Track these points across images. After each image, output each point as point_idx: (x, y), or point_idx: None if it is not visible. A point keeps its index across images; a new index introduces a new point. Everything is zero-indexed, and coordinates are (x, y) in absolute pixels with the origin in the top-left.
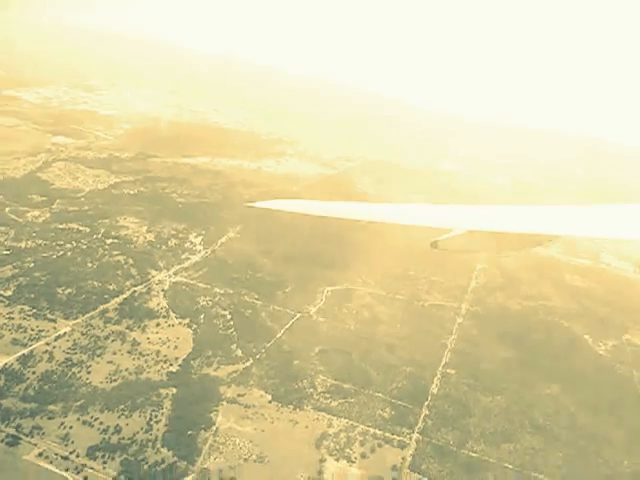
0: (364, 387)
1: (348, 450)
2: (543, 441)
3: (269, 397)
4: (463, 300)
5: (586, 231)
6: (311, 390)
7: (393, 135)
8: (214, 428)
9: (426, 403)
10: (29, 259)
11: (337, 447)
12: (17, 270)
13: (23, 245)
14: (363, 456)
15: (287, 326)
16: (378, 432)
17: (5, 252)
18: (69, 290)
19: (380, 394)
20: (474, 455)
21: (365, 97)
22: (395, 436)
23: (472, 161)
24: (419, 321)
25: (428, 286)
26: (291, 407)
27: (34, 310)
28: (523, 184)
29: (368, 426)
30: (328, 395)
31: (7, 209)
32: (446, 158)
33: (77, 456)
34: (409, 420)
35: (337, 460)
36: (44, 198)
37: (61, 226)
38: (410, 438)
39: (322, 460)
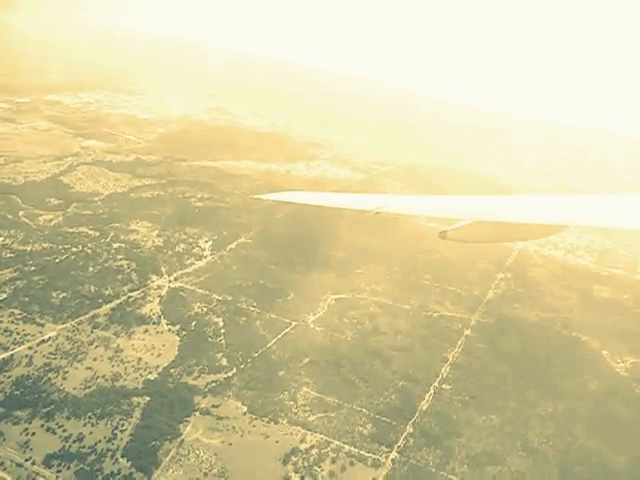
0: (348, 401)
1: (316, 468)
2: (532, 465)
3: (245, 409)
4: (476, 311)
5: (595, 221)
6: (291, 403)
7: (439, 138)
8: (180, 439)
9: (412, 420)
10: (31, 262)
11: (305, 464)
12: (17, 273)
13: (29, 248)
14: (331, 475)
15: (280, 335)
16: (353, 449)
17: (9, 255)
18: (64, 294)
19: (364, 409)
20: (453, 478)
21: (415, 99)
22: (370, 454)
23: (517, 164)
24: (423, 333)
25: (441, 296)
26: (266, 420)
27: (24, 314)
28: (567, 189)
29: (344, 443)
30: (308, 408)
31: (21, 212)
32: (491, 161)
33: (33, 463)
34: (389, 438)
35: (302, 478)
36: (61, 201)
37: (71, 230)
38: (386, 457)
39: (286, 478)
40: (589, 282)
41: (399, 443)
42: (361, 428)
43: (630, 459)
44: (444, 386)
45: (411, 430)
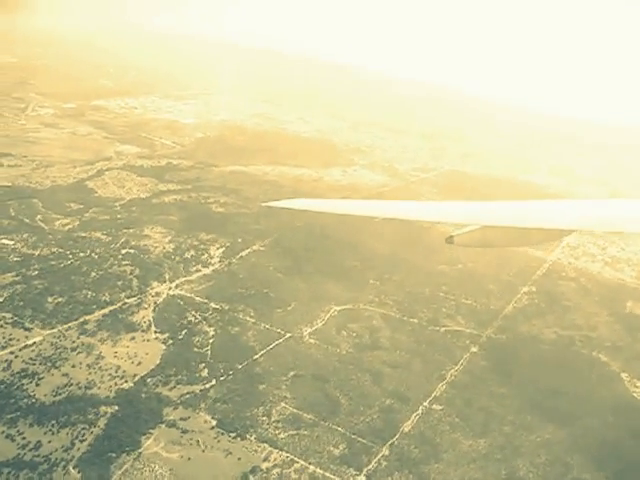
0: (326, 419)
1: None
2: None
3: (214, 423)
4: (489, 327)
5: (607, 225)
6: (264, 418)
7: (490, 143)
8: (138, 452)
9: (390, 442)
10: (35, 267)
11: None
12: (18, 277)
13: (37, 253)
14: None
15: (269, 347)
16: (318, 471)
17: (16, 259)
18: (59, 299)
19: (341, 428)
20: None
21: (469, 101)
22: (336, 477)
23: (569, 171)
24: (425, 348)
25: (454, 309)
26: (233, 435)
27: (15, 318)
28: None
29: (309, 463)
30: (280, 425)
31: (38, 217)
32: (542, 168)
33: None
34: (361, 460)
35: None
36: (80, 206)
37: (84, 234)
38: None
39: None
40: (623, 298)
41: (370, 466)
42: (332, 448)
43: None
44: (434, 406)
45: (387, 453)
